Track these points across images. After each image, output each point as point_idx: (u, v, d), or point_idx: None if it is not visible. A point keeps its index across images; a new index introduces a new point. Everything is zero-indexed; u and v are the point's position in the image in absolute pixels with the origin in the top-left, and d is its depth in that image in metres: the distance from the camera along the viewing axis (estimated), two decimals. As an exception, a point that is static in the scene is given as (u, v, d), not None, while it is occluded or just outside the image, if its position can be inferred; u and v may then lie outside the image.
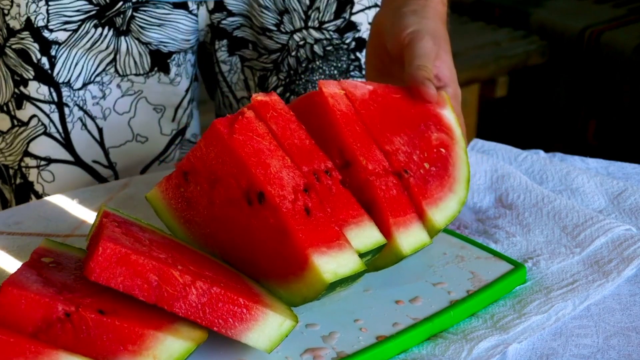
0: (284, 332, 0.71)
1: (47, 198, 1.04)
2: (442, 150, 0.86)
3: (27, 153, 1.14)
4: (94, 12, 1.09)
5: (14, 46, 1.11)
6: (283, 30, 1.16)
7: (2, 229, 0.96)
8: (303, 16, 1.16)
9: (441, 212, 0.83)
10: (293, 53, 1.18)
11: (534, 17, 2.95)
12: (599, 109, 2.84)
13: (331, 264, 0.73)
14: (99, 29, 1.10)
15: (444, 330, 0.78)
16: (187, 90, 1.18)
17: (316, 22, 1.17)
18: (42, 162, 1.14)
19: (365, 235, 0.77)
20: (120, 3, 1.09)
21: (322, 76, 1.20)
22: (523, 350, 0.76)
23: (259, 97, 0.80)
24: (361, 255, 0.76)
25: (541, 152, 1.09)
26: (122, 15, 1.10)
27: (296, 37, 1.17)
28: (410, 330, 0.76)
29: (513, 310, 0.80)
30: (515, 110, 3.02)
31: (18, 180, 1.16)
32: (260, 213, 0.75)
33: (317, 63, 1.19)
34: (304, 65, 1.19)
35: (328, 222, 0.76)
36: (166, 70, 1.15)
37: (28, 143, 1.14)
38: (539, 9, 2.98)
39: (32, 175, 1.15)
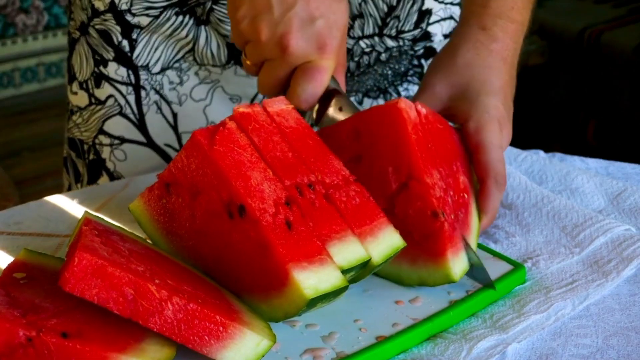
0: (260, 351, 0.70)
1: (47, 198, 1.04)
2: (465, 195, 0.86)
3: (101, 131, 1.17)
4: (175, 0, 1.11)
5: (97, 26, 1.14)
6: (351, 35, 1.15)
7: (2, 229, 0.96)
8: (379, 23, 1.15)
9: (459, 264, 0.82)
10: (356, 59, 1.17)
11: (533, 17, 2.95)
12: (598, 109, 2.85)
13: (312, 279, 0.71)
14: (180, 17, 1.12)
15: (444, 331, 0.78)
16: None
17: (394, 30, 1.16)
18: (116, 141, 1.17)
19: (348, 251, 0.75)
20: None
21: (375, 76, 1.19)
22: (522, 350, 0.76)
23: (241, 108, 0.79)
24: (345, 272, 0.74)
25: (541, 152, 1.10)
26: (202, 6, 1.12)
27: (362, 43, 1.16)
28: (410, 330, 0.76)
29: (512, 310, 0.80)
30: (515, 110, 3.02)
31: (91, 156, 1.19)
32: (241, 226, 0.74)
33: (375, 67, 1.19)
34: (361, 69, 1.18)
35: (310, 236, 0.74)
36: (242, 63, 1.16)
37: (103, 121, 1.17)
38: (539, 9, 2.97)
39: (105, 153, 1.18)
